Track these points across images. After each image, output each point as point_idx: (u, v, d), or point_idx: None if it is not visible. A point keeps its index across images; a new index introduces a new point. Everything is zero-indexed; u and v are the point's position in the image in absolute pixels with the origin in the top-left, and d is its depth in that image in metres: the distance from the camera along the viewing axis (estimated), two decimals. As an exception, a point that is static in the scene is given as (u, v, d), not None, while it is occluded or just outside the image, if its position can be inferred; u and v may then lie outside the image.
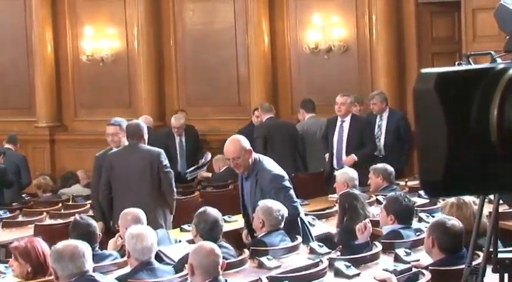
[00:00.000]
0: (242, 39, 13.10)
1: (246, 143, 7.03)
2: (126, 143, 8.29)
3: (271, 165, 7.07)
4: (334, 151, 10.36)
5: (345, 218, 7.00)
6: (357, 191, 7.40)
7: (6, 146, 11.99)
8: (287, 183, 6.98)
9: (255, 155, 7.02)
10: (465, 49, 10.90)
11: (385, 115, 10.92)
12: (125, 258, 5.98)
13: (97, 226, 6.55)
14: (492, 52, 3.72)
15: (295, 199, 7.06)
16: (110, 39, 13.87)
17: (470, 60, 3.71)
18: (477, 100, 1.86)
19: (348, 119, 10.34)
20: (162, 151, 8.34)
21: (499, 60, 3.67)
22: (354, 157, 10.14)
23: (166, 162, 8.27)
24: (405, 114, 11.01)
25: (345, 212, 7.01)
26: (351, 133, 10.27)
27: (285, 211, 6.72)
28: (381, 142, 10.80)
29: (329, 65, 12.55)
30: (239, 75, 13.23)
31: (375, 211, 7.77)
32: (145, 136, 8.27)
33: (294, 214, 6.92)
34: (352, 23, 12.44)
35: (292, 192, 7.00)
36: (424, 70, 1.92)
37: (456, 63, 3.93)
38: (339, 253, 6.42)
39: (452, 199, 6.11)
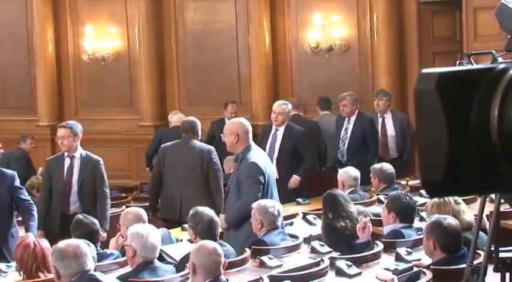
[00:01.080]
0: (243, 38, 13.10)
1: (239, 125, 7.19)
2: (79, 148, 8.27)
3: (257, 155, 7.13)
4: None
5: (328, 218, 6.96)
6: (337, 191, 7.32)
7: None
8: (260, 177, 7.02)
9: (249, 143, 7.11)
10: (466, 48, 10.89)
11: (353, 118, 10.50)
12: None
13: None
14: (493, 51, 3.72)
15: (259, 193, 7.00)
16: (111, 38, 13.87)
17: (471, 59, 3.72)
18: (478, 100, 1.87)
19: (282, 128, 9.76)
20: (213, 148, 8.66)
21: (500, 59, 3.68)
22: (297, 179, 9.64)
23: (216, 160, 8.57)
24: (372, 120, 10.61)
25: (328, 213, 6.95)
26: (284, 143, 9.75)
27: (280, 207, 6.75)
28: (345, 146, 10.44)
29: (330, 64, 12.55)
30: (240, 74, 13.23)
31: (376, 210, 7.78)
32: (199, 132, 8.82)
33: (247, 202, 6.89)
34: (353, 22, 12.44)
35: (260, 186, 7.02)
36: (425, 70, 1.92)
37: (457, 62, 3.92)
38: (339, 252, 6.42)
39: (435, 199, 6.13)
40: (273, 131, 9.78)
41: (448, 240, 5.44)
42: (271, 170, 7.50)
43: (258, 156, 7.20)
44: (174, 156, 8.53)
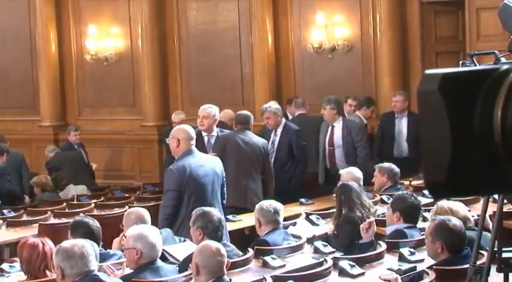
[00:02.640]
0: (246, 38, 13.10)
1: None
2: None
3: (187, 160, 7.32)
4: None
5: (343, 210, 7.02)
6: (350, 182, 7.41)
7: None
8: (173, 185, 7.27)
9: (189, 148, 7.35)
10: (469, 48, 10.88)
11: (279, 130, 9.95)
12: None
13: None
14: (496, 52, 3.72)
15: (172, 201, 7.24)
16: (113, 38, 13.89)
17: (474, 59, 3.72)
18: (481, 101, 1.87)
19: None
20: (266, 141, 9.35)
21: (503, 59, 3.68)
22: None
23: (268, 152, 9.26)
24: (299, 130, 10.02)
25: (342, 204, 7.02)
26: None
27: (277, 205, 6.78)
28: (272, 160, 9.67)
29: (333, 65, 12.55)
30: (243, 74, 13.23)
31: (379, 210, 7.77)
32: (251, 126, 9.32)
33: (161, 211, 7.31)
34: (356, 23, 12.44)
35: (172, 194, 7.27)
36: (428, 71, 1.92)
37: (460, 62, 3.92)
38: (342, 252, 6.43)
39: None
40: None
41: (455, 241, 5.43)
42: (210, 173, 7.48)
43: (190, 162, 7.32)
44: (236, 146, 8.93)
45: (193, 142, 7.41)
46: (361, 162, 9.82)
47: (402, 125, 10.90)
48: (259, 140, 9.16)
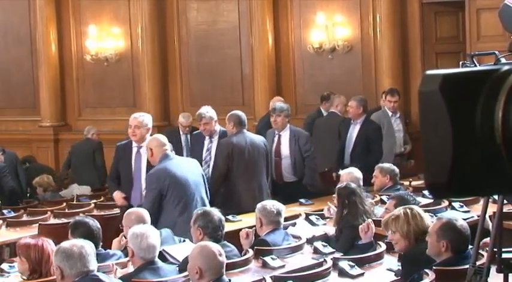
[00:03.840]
0: (246, 39, 13.11)
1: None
2: None
3: (165, 164, 7.55)
4: None
5: (344, 213, 6.98)
6: (354, 185, 7.36)
7: None
8: (153, 185, 7.47)
9: (164, 154, 7.60)
10: (469, 49, 10.88)
11: (216, 137, 9.42)
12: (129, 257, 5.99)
13: None
14: (496, 52, 3.72)
15: (152, 202, 7.39)
16: (114, 38, 13.89)
17: (474, 60, 3.72)
18: (482, 102, 1.87)
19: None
20: (264, 138, 9.25)
21: (503, 60, 3.68)
22: None
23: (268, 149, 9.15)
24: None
25: (344, 208, 6.99)
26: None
27: (279, 206, 6.78)
28: (209, 169, 9.27)
29: (333, 65, 12.55)
30: (243, 75, 13.24)
31: (379, 211, 7.77)
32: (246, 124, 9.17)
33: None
34: (356, 23, 12.44)
35: (152, 194, 7.46)
36: (429, 72, 1.92)
37: (460, 63, 3.92)
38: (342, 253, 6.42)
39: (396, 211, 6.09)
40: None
41: (460, 242, 5.42)
42: (191, 170, 7.75)
43: (167, 164, 7.54)
44: (242, 149, 8.88)
45: (167, 147, 7.66)
46: (309, 174, 9.52)
47: (354, 133, 10.28)
48: (259, 138, 9.17)
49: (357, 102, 10.28)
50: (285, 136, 9.63)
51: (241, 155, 8.86)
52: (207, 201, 7.74)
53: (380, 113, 10.97)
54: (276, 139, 9.64)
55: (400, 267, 5.72)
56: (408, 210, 5.89)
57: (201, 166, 8.84)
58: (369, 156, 9.95)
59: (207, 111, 9.41)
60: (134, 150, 8.22)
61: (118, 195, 8.33)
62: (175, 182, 7.52)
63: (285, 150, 9.60)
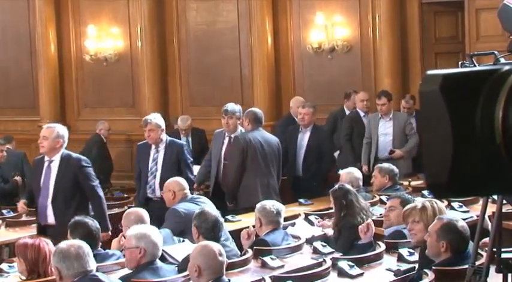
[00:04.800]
0: (245, 39, 13.10)
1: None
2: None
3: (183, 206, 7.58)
4: None
5: (343, 215, 6.97)
6: (346, 185, 7.36)
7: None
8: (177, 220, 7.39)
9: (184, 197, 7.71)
10: (468, 49, 10.89)
11: (162, 145, 8.85)
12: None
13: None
14: (496, 52, 3.72)
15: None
16: (113, 38, 13.89)
17: (473, 60, 3.71)
18: (482, 102, 1.87)
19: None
20: (277, 139, 9.22)
21: (502, 60, 3.68)
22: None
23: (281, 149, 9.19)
24: (186, 145, 9.32)
25: (342, 209, 6.98)
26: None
27: (279, 206, 6.79)
28: (156, 180, 8.84)
29: (332, 65, 12.55)
30: (242, 75, 13.23)
31: (378, 211, 7.77)
32: (263, 122, 9.17)
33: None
34: (355, 23, 12.44)
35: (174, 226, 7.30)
36: (430, 71, 1.92)
37: (460, 63, 3.92)
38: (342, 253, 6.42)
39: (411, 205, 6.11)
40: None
41: (460, 243, 5.41)
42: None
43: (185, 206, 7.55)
44: (257, 147, 8.93)
45: (186, 191, 7.75)
46: None
47: (304, 141, 10.09)
48: (273, 138, 9.24)
49: (313, 109, 10.19)
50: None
51: (255, 151, 8.90)
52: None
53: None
54: (226, 142, 9.25)
55: (399, 268, 5.71)
56: (434, 204, 5.92)
57: (147, 178, 8.81)
58: (320, 164, 9.92)
59: (154, 117, 8.87)
60: (46, 164, 7.76)
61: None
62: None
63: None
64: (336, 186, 7.34)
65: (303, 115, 10.13)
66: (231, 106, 9.31)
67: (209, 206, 7.52)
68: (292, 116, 11.02)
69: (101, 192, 7.70)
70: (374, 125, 10.57)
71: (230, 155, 9.14)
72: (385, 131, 10.57)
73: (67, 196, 7.55)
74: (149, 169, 8.85)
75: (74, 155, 7.78)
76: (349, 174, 8.51)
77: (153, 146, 8.84)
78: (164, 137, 8.86)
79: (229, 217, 8.06)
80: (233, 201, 8.98)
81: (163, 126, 8.84)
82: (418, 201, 6.13)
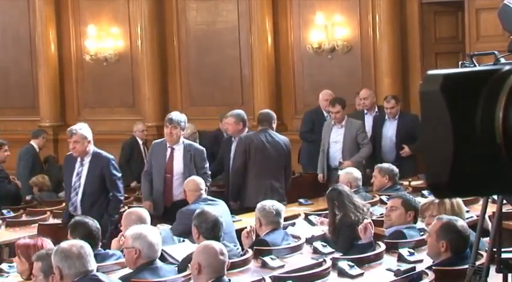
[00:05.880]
0: (245, 39, 13.10)
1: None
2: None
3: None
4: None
5: (338, 215, 6.96)
6: (340, 185, 7.38)
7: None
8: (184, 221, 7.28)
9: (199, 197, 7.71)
10: (468, 49, 10.89)
11: (88, 159, 8.14)
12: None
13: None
14: (496, 52, 3.72)
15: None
16: (113, 38, 13.89)
17: (474, 60, 3.72)
18: (483, 102, 1.87)
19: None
20: (288, 139, 9.24)
21: (502, 60, 3.68)
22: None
23: (290, 150, 9.24)
24: (113, 159, 8.38)
25: (336, 210, 6.97)
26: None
27: (279, 206, 6.79)
28: (79, 195, 8.14)
29: (332, 65, 12.55)
30: (242, 75, 13.24)
31: (378, 211, 7.77)
32: (274, 125, 9.22)
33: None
34: (355, 23, 12.44)
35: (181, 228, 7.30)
36: (430, 71, 1.93)
37: (460, 63, 3.92)
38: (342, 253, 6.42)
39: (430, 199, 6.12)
40: (168, 149, 8.76)
41: (460, 242, 5.42)
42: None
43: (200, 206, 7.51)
44: (260, 147, 8.97)
45: (203, 191, 7.75)
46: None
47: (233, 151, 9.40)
48: (282, 139, 9.21)
49: (235, 118, 9.45)
50: (179, 150, 8.58)
51: (257, 152, 8.96)
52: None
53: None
54: (168, 153, 8.56)
55: (399, 267, 5.72)
56: (453, 199, 5.93)
57: (70, 194, 8.08)
58: None
59: (80, 128, 8.17)
60: (168, 150, 8.52)
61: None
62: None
63: (178, 166, 8.52)
64: (330, 187, 7.36)
65: (227, 126, 9.70)
66: (176, 115, 8.68)
67: (222, 208, 7.55)
68: (321, 108, 11.07)
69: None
70: (326, 133, 10.33)
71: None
72: (336, 139, 10.24)
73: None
74: (72, 184, 8.10)
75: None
76: (347, 175, 8.52)
77: (79, 159, 8.11)
78: (91, 149, 8.12)
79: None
80: (236, 200, 9.02)
81: (89, 137, 8.10)
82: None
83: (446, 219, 5.56)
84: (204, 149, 8.84)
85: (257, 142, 8.98)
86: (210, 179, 8.64)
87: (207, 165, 8.69)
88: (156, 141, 8.92)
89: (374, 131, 10.72)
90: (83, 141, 8.04)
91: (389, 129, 10.65)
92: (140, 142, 12.33)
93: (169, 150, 8.57)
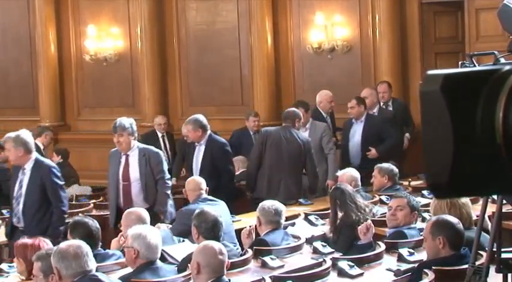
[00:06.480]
0: (245, 39, 13.10)
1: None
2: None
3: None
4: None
5: (340, 215, 6.98)
6: (343, 184, 7.40)
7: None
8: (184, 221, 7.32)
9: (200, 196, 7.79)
10: (468, 49, 10.89)
11: (29, 166, 7.73)
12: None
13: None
14: (496, 52, 3.73)
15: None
16: (113, 38, 13.89)
17: (473, 60, 3.72)
18: (483, 102, 1.87)
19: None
20: (309, 139, 9.51)
21: (502, 60, 3.68)
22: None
23: (312, 150, 9.41)
24: (55, 167, 7.92)
25: (337, 209, 6.99)
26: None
27: (279, 206, 6.80)
28: (20, 206, 7.77)
29: (332, 65, 12.55)
30: (242, 75, 13.23)
31: (379, 211, 7.77)
32: (299, 123, 9.48)
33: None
34: (355, 23, 12.44)
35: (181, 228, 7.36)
36: (430, 71, 1.93)
37: (460, 63, 3.93)
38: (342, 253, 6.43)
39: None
40: (353, 124, 10.33)
41: (455, 236, 5.42)
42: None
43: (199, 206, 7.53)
44: (276, 141, 9.29)
45: (203, 191, 7.80)
46: (161, 201, 8.10)
47: (200, 156, 9.21)
48: (301, 137, 9.40)
49: (192, 125, 9.19)
50: (134, 156, 8.24)
51: (273, 145, 9.27)
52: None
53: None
54: (123, 161, 8.24)
55: (399, 267, 5.72)
56: (462, 198, 5.95)
57: (13, 204, 7.73)
58: (221, 177, 9.06)
59: (18, 134, 7.96)
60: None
61: None
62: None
63: (135, 172, 8.18)
64: (333, 187, 7.38)
65: (187, 133, 9.57)
66: (119, 122, 8.35)
67: (222, 208, 7.55)
68: (319, 110, 10.99)
69: None
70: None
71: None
72: None
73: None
74: (14, 194, 7.73)
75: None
76: (346, 175, 8.52)
77: (22, 168, 7.74)
78: (33, 157, 7.74)
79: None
80: (252, 191, 9.37)
81: (28, 145, 7.76)
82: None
83: (435, 218, 5.61)
84: (160, 151, 8.60)
85: (275, 136, 9.32)
86: (168, 184, 8.21)
87: (165, 168, 8.29)
88: (112, 150, 8.51)
89: (342, 134, 10.73)
90: (18, 150, 7.69)
91: (356, 132, 10.48)
92: (159, 135, 12.40)
93: (123, 157, 8.24)
